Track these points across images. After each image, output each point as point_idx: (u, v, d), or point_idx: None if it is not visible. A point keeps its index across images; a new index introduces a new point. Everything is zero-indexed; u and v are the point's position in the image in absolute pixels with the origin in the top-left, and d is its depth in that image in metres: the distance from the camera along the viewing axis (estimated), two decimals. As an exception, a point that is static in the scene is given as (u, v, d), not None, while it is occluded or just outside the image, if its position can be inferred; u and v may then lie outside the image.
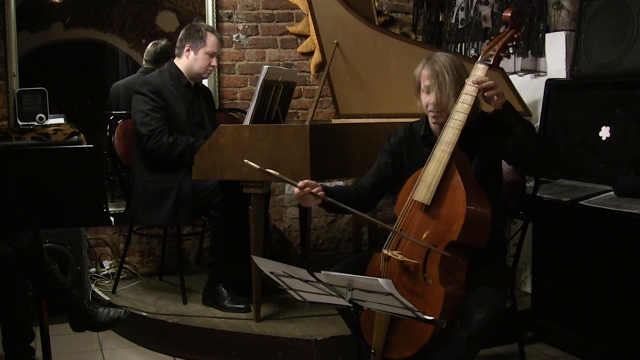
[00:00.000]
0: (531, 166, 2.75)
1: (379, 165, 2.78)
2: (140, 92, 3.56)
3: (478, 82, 2.44)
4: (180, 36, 3.68)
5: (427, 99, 2.56)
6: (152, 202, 3.55)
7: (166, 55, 4.29)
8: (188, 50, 3.62)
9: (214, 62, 3.66)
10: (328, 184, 2.79)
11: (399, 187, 2.72)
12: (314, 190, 2.47)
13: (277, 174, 2.46)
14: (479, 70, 2.51)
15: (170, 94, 3.58)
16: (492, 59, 2.54)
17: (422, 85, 2.57)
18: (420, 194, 2.48)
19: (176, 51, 3.70)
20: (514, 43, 2.67)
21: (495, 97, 2.44)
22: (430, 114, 2.59)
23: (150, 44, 4.36)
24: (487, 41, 4.11)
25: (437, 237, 2.43)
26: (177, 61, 3.69)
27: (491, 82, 2.45)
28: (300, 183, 2.47)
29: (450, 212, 2.42)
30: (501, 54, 2.59)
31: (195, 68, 3.64)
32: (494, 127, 2.53)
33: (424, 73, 2.57)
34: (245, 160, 2.53)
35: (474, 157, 2.57)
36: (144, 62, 4.39)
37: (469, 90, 2.46)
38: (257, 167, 2.45)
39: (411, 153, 2.72)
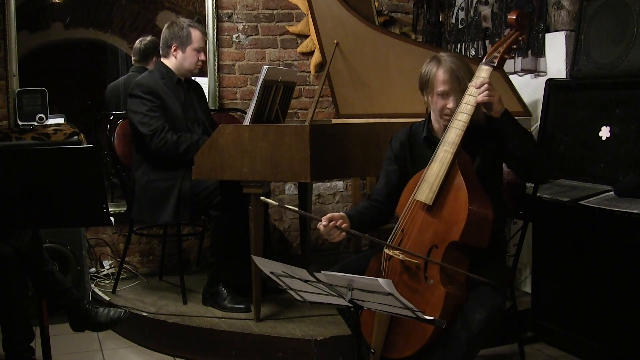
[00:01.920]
0: (531, 176, 2.75)
1: (388, 174, 2.75)
2: (134, 94, 3.56)
3: (480, 85, 2.45)
4: (164, 35, 3.66)
5: (444, 103, 2.53)
6: (156, 201, 3.56)
7: (153, 50, 4.31)
8: (175, 49, 3.62)
9: (202, 57, 3.67)
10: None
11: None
12: (338, 223, 2.45)
13: (297, 209, 2.50)
14: (483, 72, 2.50)
15: (164, 92, 3.58)
16: (496, 61, 2.54)
17: (438, 89, 2.53)
18: (422, 194, 2.48)
19: (162, 51, 3.68)
20: (518, 45, 2.66)
21: (492, 105, 2.44)
22: (446, 117, 2.55)
23: (137, 41, 4.37)
24: (488, 41, 4.12)
25: (439, 237, 2.43)
26: (164, 60, 3.67)
27: (488, 86, 2.43)
28: (324, 220, 2.44)
29: (453, 212, 2.42)
30: (505, 56, 2.58)
31: (186, 65, 3.64)
32: (497, 130, 2.53)
33: (440, 77, 2.52)
34: (261, 198, 2.54)
35: (476, 158, 2.57)
36: (133, 61, 4.39)
37: (473, 92, 2.46)
38: (276, 203, 2.46)
39: (414, 155, 2.71)
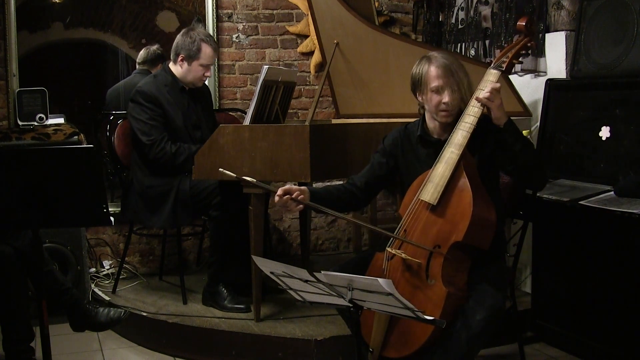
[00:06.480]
0: (531, 181, 2.72)
1: (373, 165, 2.76)
2: (136, 100, 3.54)
3: (486, 87, 2.46)
4: (176, 41, 3.59)
5: (439, 99, 2.52)
6: (152, 205, 3.56)
7: (160, 57, 4.30)
8: (182, 60, 3.56)
9: (208, 73, 3.61)
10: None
11: (401, 188, 2.71)
12: (294, 195, 2.46)
13: (255, 180, 2.48)
14: (491, 76, 2.51)
15: (166, 100, 3.55)
16: (504, 66, 2.57)
17: (431, 85, 2.53)
18: (427, 193, 2.48)
19: (171, 56, 3.63)
20: (527, 51, 2.71)
21: (490, 108, 2.44)
22: (442, 114, 2.54)
23: (143, 50, 4.38)
24: (488, 41, 4.12)
25: (442, 237, 2.44)
26: (171, 66, 3.63)
27: (489, 94, 2.44)
28: (279, 191, 2.45)
29: (457, 212, 2.43)
30: (514, 61, 2.63)
31: (189, 77, 3.60)
32: (495, 132, 2.53)
33: (432, 72, 2.52)
34: (220, 169, 2.51)
35: (476, 157, 2.57)
36: (137, 65, 4.39)
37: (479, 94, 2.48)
38: (234, 175, 2.45)
39: (406, 153, 2.71)
